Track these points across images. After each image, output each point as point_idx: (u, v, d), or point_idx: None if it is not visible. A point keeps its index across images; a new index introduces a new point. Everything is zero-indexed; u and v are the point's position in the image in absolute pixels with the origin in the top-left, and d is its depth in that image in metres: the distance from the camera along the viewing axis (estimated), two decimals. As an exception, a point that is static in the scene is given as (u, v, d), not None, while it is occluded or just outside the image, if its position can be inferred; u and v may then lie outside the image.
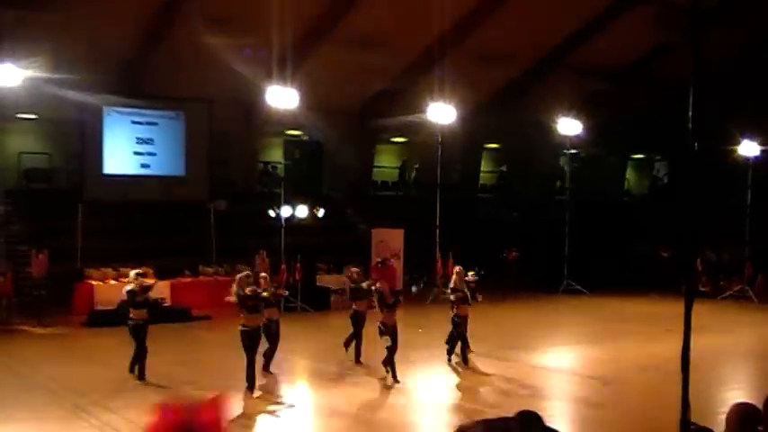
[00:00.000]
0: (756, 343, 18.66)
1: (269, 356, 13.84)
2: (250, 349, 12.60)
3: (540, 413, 5.40)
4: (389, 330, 13.11)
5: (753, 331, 20.38)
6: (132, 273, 14.30)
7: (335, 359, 14.83)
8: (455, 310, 14.54)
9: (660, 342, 16.09)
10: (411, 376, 13.48)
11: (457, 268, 15.12)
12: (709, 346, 14.85)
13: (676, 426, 7.17)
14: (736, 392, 12.45)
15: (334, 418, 11.45)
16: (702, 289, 24.96)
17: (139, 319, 13.42)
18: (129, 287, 13.78)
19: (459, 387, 13.36)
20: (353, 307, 14.94)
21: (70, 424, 10.69)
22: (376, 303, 13.68)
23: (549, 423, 3.24)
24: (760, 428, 4.57)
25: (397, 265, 24.43)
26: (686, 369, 7.65)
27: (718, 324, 19.29)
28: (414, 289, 25.37)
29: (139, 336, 13.35)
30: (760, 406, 4.86)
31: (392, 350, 13.15)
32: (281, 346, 14.00)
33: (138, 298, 13.51)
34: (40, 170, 26.17)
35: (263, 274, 14.20)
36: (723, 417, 5.09)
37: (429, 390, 13.18)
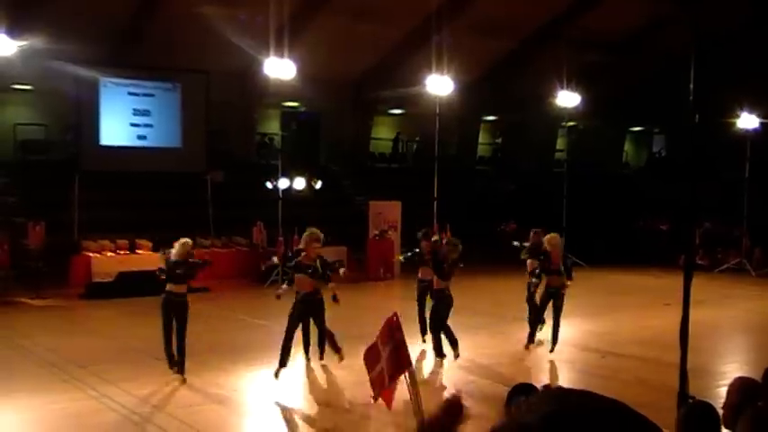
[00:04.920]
0: (754, 316, 18.68)
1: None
2: None
3: (536, 385, 5.42)
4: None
5: (750, 304, 20.40)
6: None
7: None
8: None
9: (658, 315, 16.10)
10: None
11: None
12: (707, 320, 14.86)
13: (675, 398, 7.19)
14: (734, 365, 12.48)
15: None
16: (699, 262, 24.92)
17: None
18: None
19: (456, 360, 13.34)
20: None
21: (68, 395, 10.70)
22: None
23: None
24: (760, 404, 4.57)
25: (395, 237, 24.40)
26: (685, 342, 7.66)
27: (716, 297, 19.29)
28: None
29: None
30: (759, 380, 4.87)
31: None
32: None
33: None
34: (36, 141, 26.05)
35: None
36: (721, 390, 5.10)
37: (424, 362, 13.17)
